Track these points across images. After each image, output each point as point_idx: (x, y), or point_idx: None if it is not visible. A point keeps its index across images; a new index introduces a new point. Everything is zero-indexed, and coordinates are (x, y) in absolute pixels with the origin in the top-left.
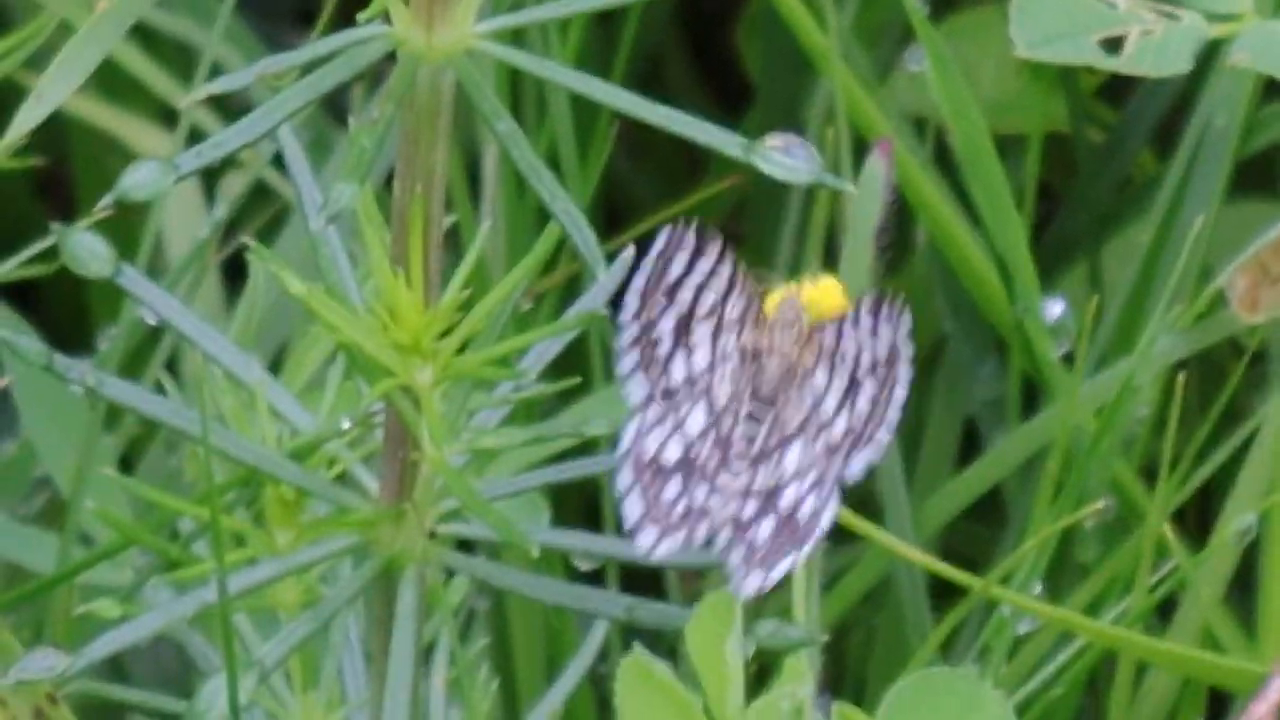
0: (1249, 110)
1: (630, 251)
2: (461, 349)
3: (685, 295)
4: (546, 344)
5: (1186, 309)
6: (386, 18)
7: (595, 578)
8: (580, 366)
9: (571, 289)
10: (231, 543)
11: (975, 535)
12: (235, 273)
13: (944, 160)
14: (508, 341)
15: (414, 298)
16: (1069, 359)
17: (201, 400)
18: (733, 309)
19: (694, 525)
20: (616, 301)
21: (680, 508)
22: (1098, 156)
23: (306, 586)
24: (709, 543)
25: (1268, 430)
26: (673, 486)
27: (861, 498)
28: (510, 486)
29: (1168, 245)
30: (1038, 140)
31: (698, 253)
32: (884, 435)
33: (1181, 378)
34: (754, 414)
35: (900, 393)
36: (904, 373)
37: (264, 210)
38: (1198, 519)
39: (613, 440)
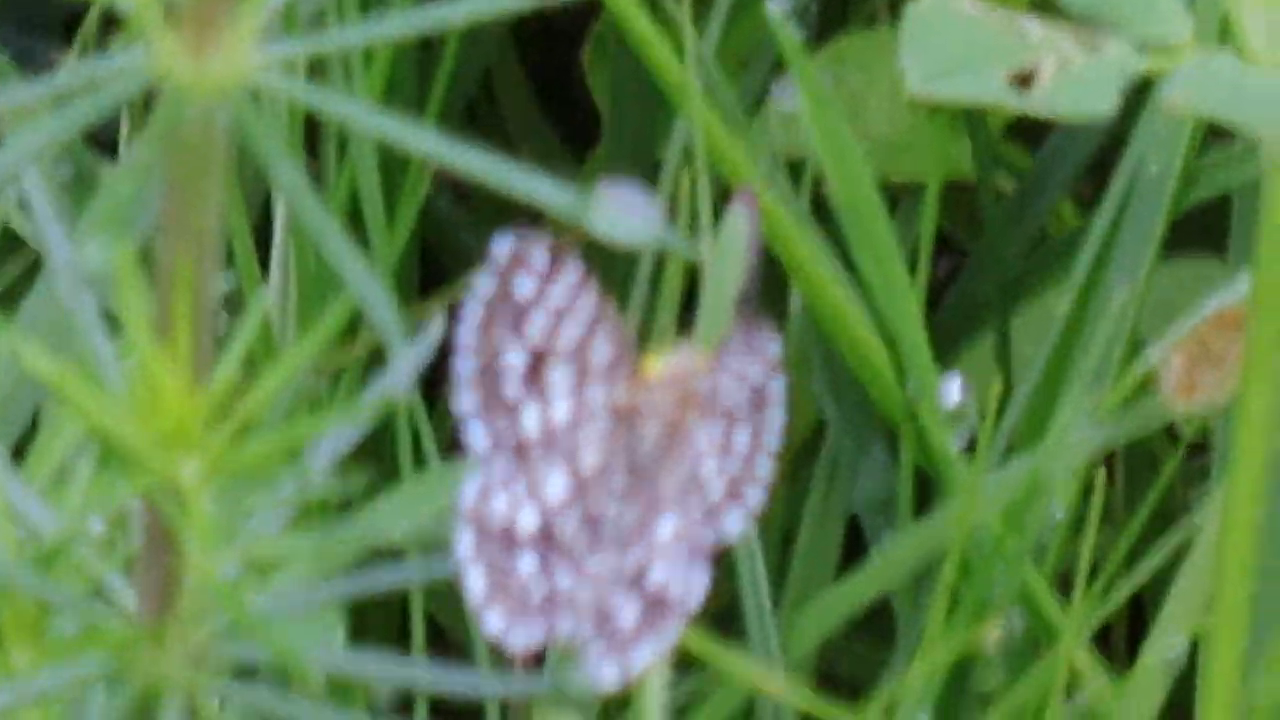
0: (1188, 155)
1: (438, 324)
2: (238, 438)
3: (537, 327)
4: (341, 432)
5: (1111, 391)
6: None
7: (403, 708)
8: (383, 458)
9: (376, 364)
10: None
11: (858, 655)
12: None
13: (824, 213)
14: (294, 428)
15: (180, 376)
16: (970, 449)
17: None
18: (599, 354)
19: (555, 617)
20: (431, 379)
21: (539, 591)
22: (1007, 208)
23: (50, 717)
24: (568, 637)
25: (1206, 535)
26: (527, 562)
27: (720, 611)
28: (296, 601)
29: (1090, 314)
30: (936, 188)
31: (549, 278)
32: (755, 494)
33: (1104, 472)
34: (628, 489)
35: (772, 439)
36: (775, 415)
37: (9, 265)
38: (1126, 639)
39: (422, 546)
